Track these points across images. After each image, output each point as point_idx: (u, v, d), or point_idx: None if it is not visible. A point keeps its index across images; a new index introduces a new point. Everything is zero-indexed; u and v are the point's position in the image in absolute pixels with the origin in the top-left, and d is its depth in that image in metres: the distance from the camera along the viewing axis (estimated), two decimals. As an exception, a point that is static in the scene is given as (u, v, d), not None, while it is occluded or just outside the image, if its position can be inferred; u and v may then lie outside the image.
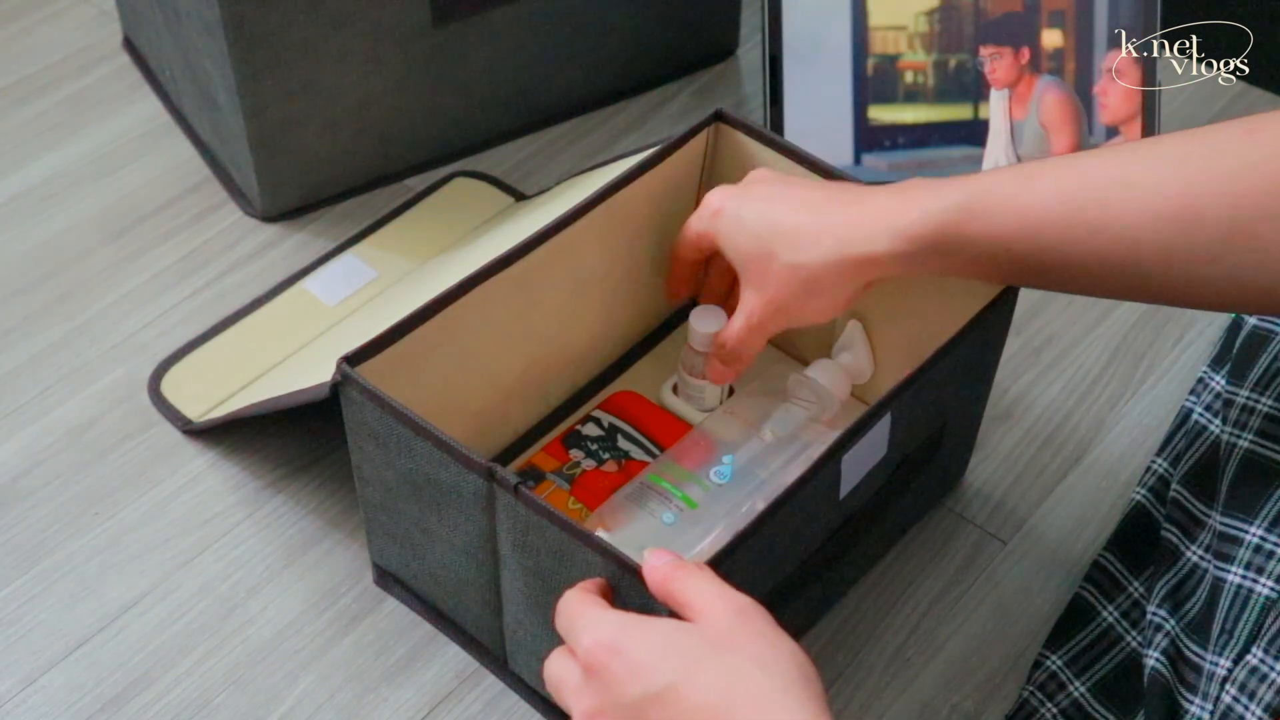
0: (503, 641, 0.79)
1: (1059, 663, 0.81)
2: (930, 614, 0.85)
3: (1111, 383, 0.98)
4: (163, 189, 1.08)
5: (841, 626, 0.85)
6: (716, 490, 0.80)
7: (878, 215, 0.75)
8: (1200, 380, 0.93)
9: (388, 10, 0.99)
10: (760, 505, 0.70)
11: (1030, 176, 0.72)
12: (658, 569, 0.64)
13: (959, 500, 0.91)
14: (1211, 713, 0.72)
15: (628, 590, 0.67)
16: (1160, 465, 0.89)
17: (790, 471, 0.80)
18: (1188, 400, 0.92)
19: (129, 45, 1.18)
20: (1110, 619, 0.82)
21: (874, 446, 0.75)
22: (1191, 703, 0.76)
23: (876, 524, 0.82)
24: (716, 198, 0.81)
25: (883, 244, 0.74)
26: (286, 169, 1.04)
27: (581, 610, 0.64)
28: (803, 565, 0.76)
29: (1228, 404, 0.83)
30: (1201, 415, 0.89)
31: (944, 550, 0.88)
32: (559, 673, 0.63)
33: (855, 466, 0.75)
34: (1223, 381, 0.89)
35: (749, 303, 0.80)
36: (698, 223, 0.82)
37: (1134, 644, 0.81)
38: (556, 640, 0.73)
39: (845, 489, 0.75)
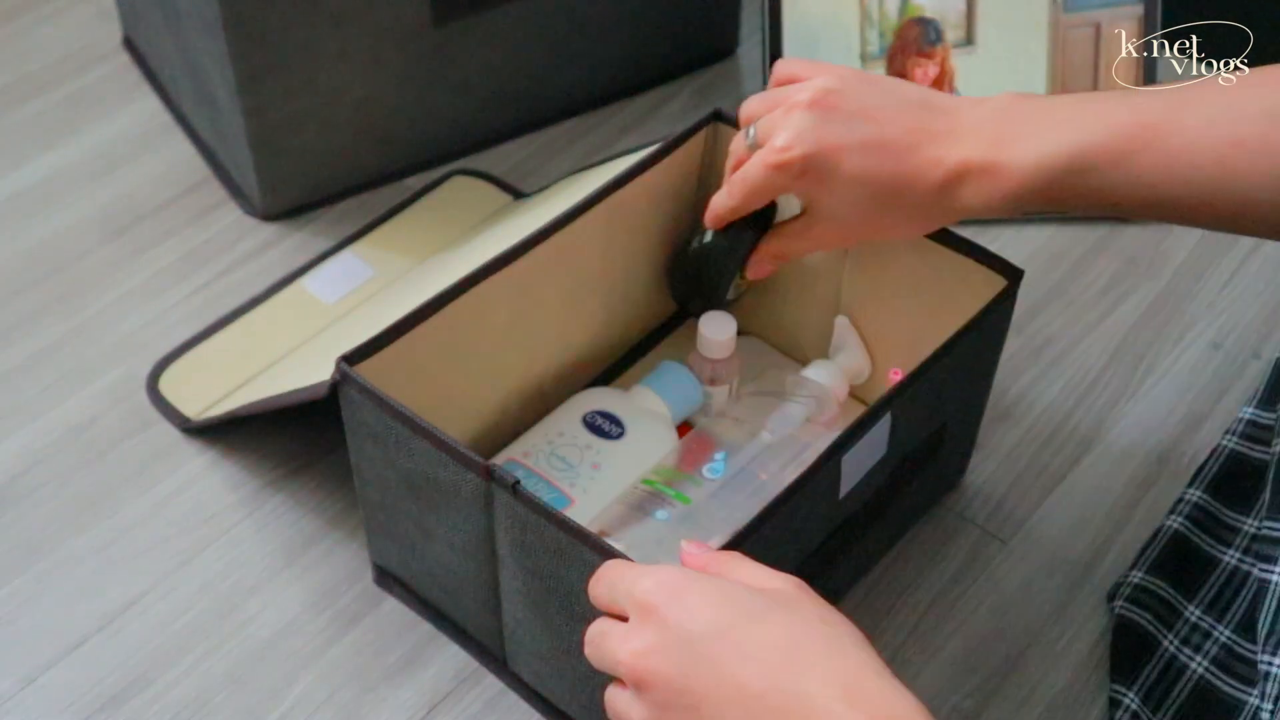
0: (502, 641, 0.79)
1: (1137, 701, 0.80)
2: (930, 614, 0.85)
3: (1111, 383, 0.98)
4: (162, 188, 1.08)
5: (841, 626, 0.84)
6: (711, 487, 0.80)
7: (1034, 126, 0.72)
8: (1237, 419, 0.92)
9: (387, 10, 0.99)
10: (759, 505, 0.70)
11: (1180, 108, 0.70)
12: (698, 556, 0.63)
13: (959, 500, 0.91)
14: (1271, 712, 0.72)
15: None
16: (1194, 494, 0.88)
17: (790, 472, 0.80)
18: (1223, 439, 0.91)
19: (129, 45, 1.18)
20: (1172, 648, 0.82)
21: (874, 446, 0.75)
22: (1249, 695, 0.76)
23: (876, 524, 0.82)
24: (798, 150, 0.74)
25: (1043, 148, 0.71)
26: (286, 168, 1.04)
27: (629, 566, 0.62)
28: (802, 565, 0.76)
29: (1257, 424, 0.84)
30: (1228, 439, 0.88)
31: (944, 550, 0.88)
32: (605, 625, 0.61)
33: (855, 466, 0.75)
34: (1250, 410, 0.89)
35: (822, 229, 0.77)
36: (783, 179, 0.76)
37: (1200, 670, 0.80)
38: (555, 639, 0.73)
39: (845, 489, 0.75)
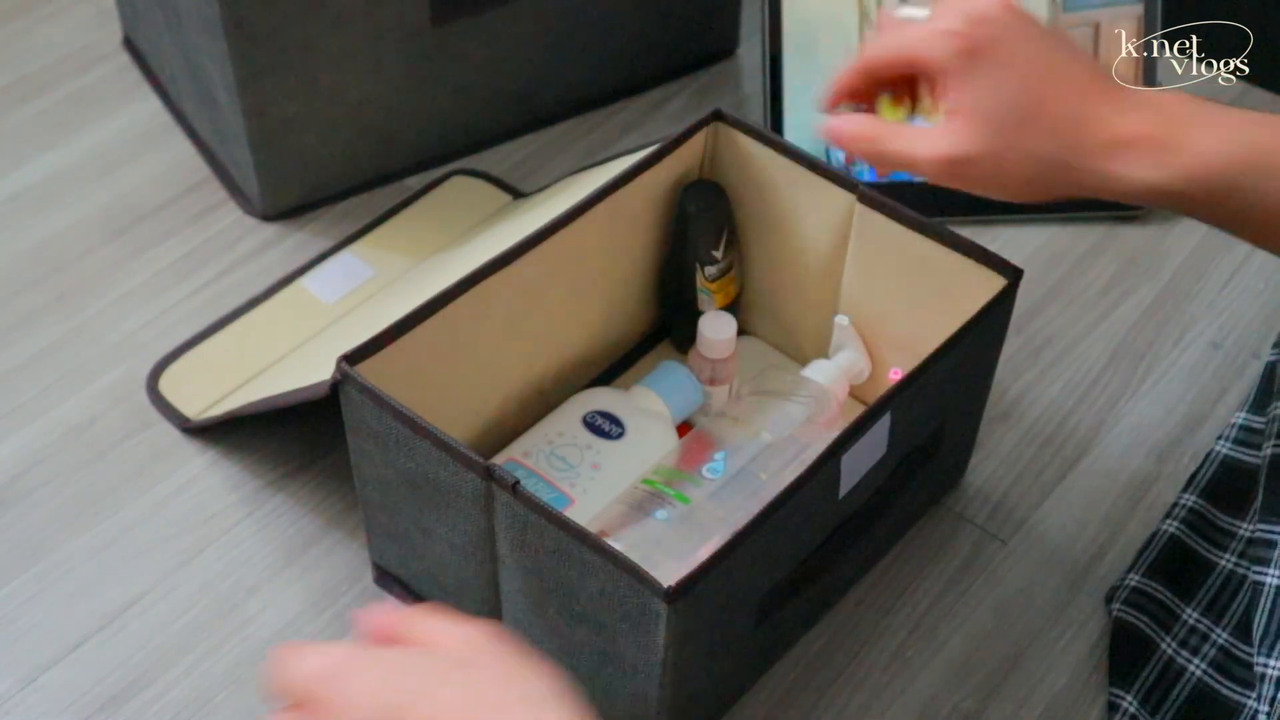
0: (502, 641, 0.79)
1: (1135, 703, 0.80)
2: (930, 614, 0.85)
3: (1111, 383, 0.98)
4: (162, 188, 1.08)
5: (841, 626, 0.84)
6: (711, 487, 0.80)
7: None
8: (1230, 425, 0.92)
9: (387, 10, 0.99)
10: (759, 505, 0.70)
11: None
12: (379, 615, 0.58)
13: (959, 500, 0.91)
14: (1268, 714, 0.72)
15: (625, 591, 0.67)
16: (1189, 499, 0.88)
17: (790, 471, 0.80)
18: (1216, 444, 0.91)
19: (129, 45, 1.18)
20: (1170, 650, 0.82)
21: (874, 446, 0.75)
22: (1248, 698, 0.76)
23: (876, 524, 0.82)
24: (984, 30, 0.67)
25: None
26: (286, 168, 1.04)
27: (298, 648, 0.56)
28: (802, 565, 0.76)
29: (1250, 429, 0.83)
30: (1222, 444, 0.88)
31: (944, 550, 0.88)
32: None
33: (855, 466, 0.75)
34: (1243, 415, 0.89)
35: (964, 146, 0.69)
36: (941, 51, 0.68)
37: (1198, 672, 0.80)
38: (555, 639, 0.73)
39: (845, 488, 0.75)
